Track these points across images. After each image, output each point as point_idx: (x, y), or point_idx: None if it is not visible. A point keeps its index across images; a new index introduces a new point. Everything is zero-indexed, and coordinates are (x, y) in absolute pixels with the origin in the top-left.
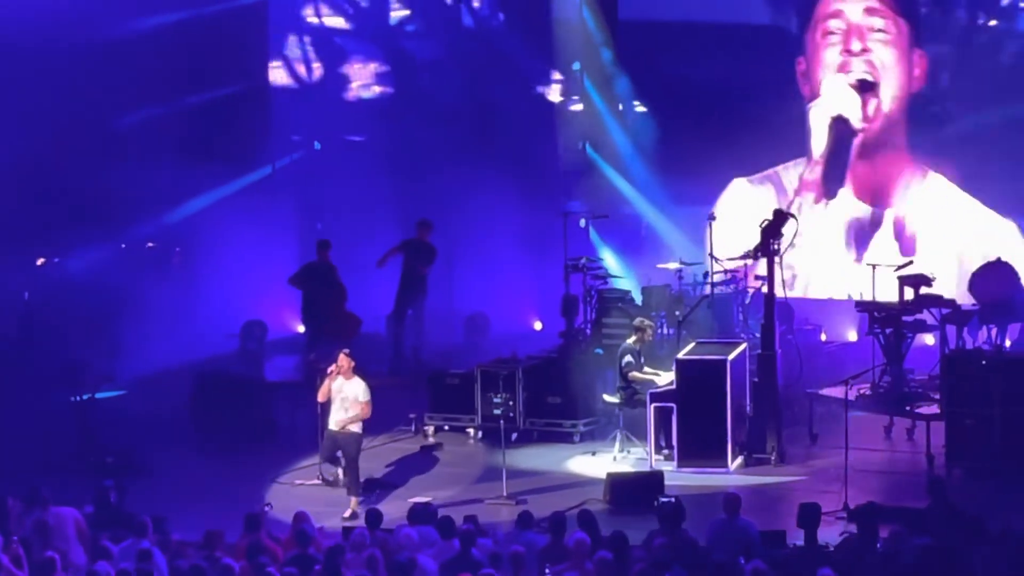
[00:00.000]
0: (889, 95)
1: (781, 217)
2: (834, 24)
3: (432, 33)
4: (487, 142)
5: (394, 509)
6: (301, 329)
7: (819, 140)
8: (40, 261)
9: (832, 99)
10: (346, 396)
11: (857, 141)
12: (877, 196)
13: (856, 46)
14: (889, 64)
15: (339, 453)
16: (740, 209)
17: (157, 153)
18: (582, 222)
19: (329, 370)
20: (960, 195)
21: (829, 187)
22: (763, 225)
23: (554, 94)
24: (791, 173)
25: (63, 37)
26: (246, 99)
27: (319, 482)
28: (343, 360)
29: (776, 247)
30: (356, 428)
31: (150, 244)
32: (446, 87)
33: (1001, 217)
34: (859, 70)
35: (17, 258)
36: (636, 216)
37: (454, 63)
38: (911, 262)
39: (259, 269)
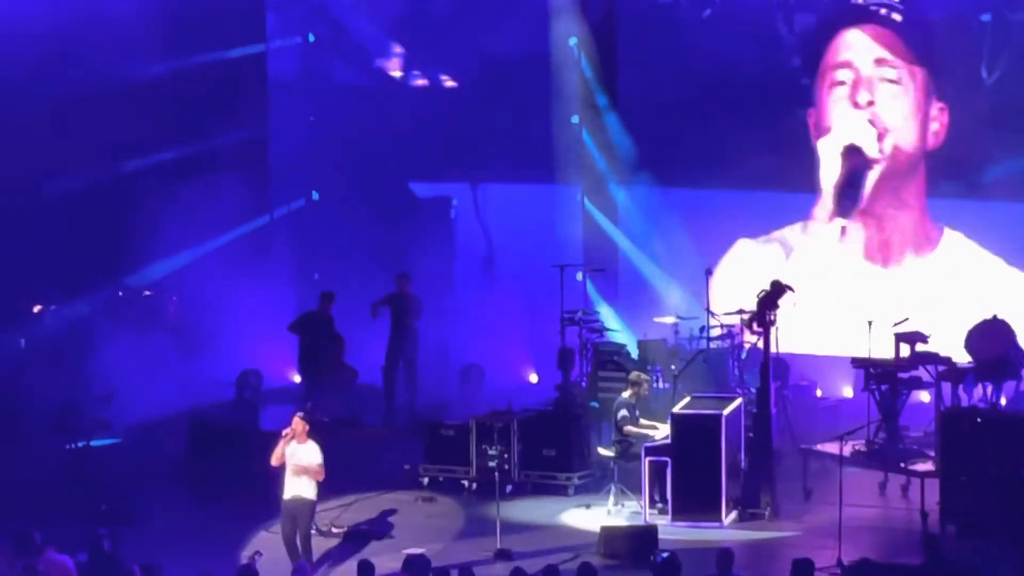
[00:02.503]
0: (902, 146)
1: (779, 289)
2: (842, 75)
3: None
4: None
5: (387, 560)
6: (297, 379)
7: (830, 171)
8: (36, 308)
9: (844, 131)
10: (299, 460)
11: (872, 173)
12: (888, 256)
13: (863, 98)
14: (901, 117)
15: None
16: (743, 268)
17: (155, 201)
18: (579, 275)
19: (284, 433)
20: (981, 253)
21: (844, 210)
22: (760, 296)
23: None
24: (796, 232)
25: (60, 84)
26: (244, 148)
27: (315, 533)
28: (297, 423)
29: (772, 318)
30: (310, 495)
31: (147, 292)
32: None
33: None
34: (865, 119)
35: (13, 305)
36: (633, 270)
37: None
38: (907, 319)
39: (256, 318)
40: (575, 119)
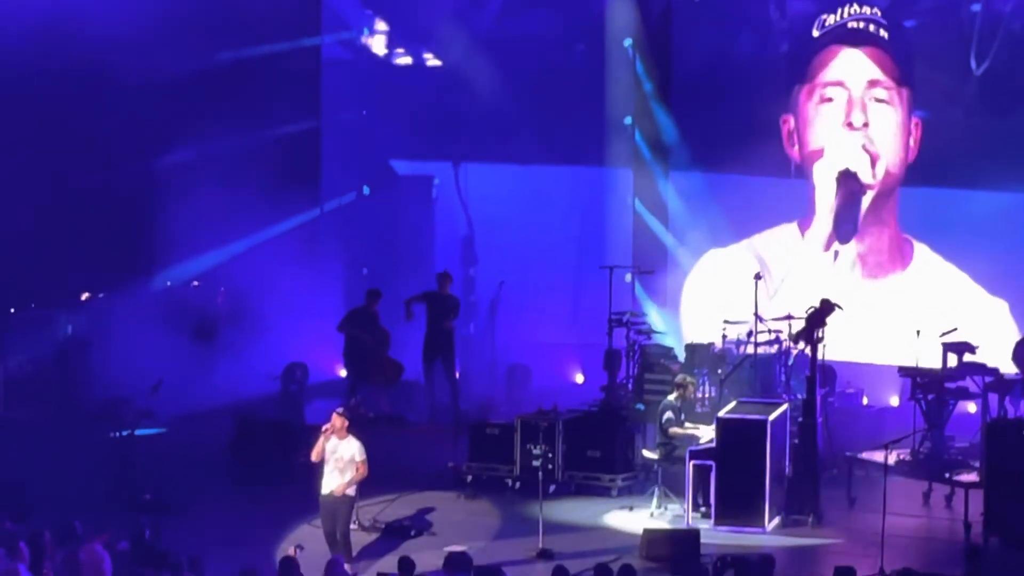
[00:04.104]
0: (890, 168)
1: (828, 307)
2: (833, 92)
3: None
4: (537, 194)
5: (429, 557)
6: (343, 373)
7: (825, 195)
8: (84, 296)
9: (840, 156)
10: (340, 457)
11: (866, 198)
12: (870, 272)
13: (858, 120)
14: (889, 136)
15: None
16: (717, 277)
17: (205, 192)
18: (627, 277)
19: (324, 428)
20: (948, 269)
21: (841, 235)
22: (808, 312)
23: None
24: (766, 239)
25: (116, 75)
26: (298, 140)
27: (356, 528)
28: (336, 419)
29: (820, 336)
30: (350, 491)
31: (195, 283)
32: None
33: (989, 295)
34: (862, 143)
35: (61, 292)
36: (682, 272)
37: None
38: (956, 329)
39: (303, 311)
40: (628, 120)
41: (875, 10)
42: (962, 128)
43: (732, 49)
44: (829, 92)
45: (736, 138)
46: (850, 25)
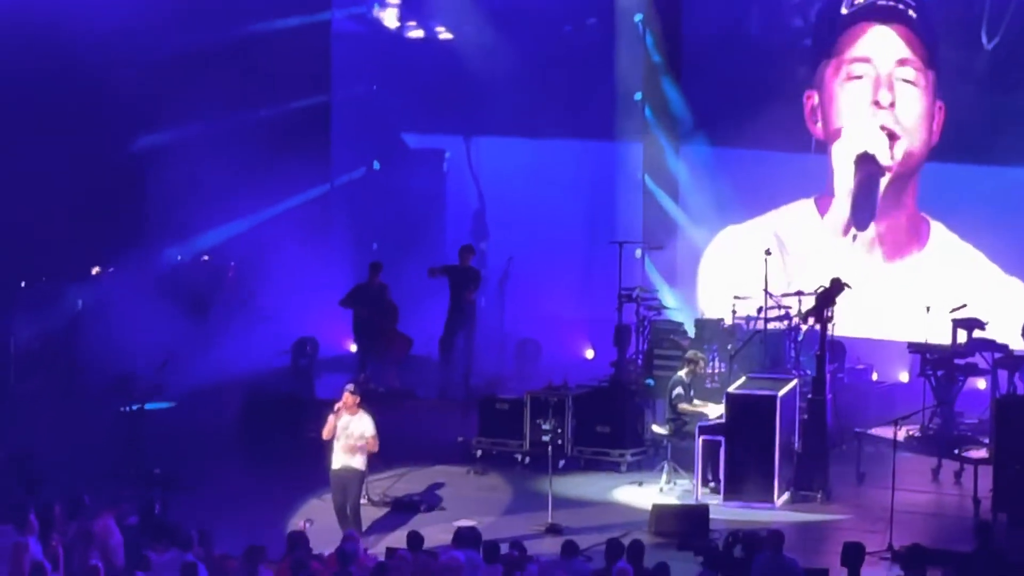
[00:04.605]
0: (912, 150)
1: (837, 286)
2: (860, 69)
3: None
4: (547, 168)
5: (438, 532)
6: (353, 348)
7: (844, 177)
8: (95, 270)
9: (858, 137)
10: (352, 433)
11: (885, 180)
12: (888, 253)
13: (885, 98)
14: (914, 117)
15: None
16: (735, 254)
17: (215, 166)
18: (637, 252)
19: (336, 407)
20: (964, 247)
21: (859, 221)
22: (818, 291)
23: None
24: (783, 216)
25: (126, 49)
26: (308, 115)
27: (366, 502)
28: (347, 397)
29: (829, 315)
30: (361, 465)
31: (205, 257)
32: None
33: (1005, 274)
34: (887, 122)
35: (72, 266)
36: (692, 247)
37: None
38: (965, 305)
39: (313, 286)
40: (638, 96)
41: None
42: (974, 104)
43: (744, 23)
44: (856, 69)
45: (748, 112)
46: (880, 3)
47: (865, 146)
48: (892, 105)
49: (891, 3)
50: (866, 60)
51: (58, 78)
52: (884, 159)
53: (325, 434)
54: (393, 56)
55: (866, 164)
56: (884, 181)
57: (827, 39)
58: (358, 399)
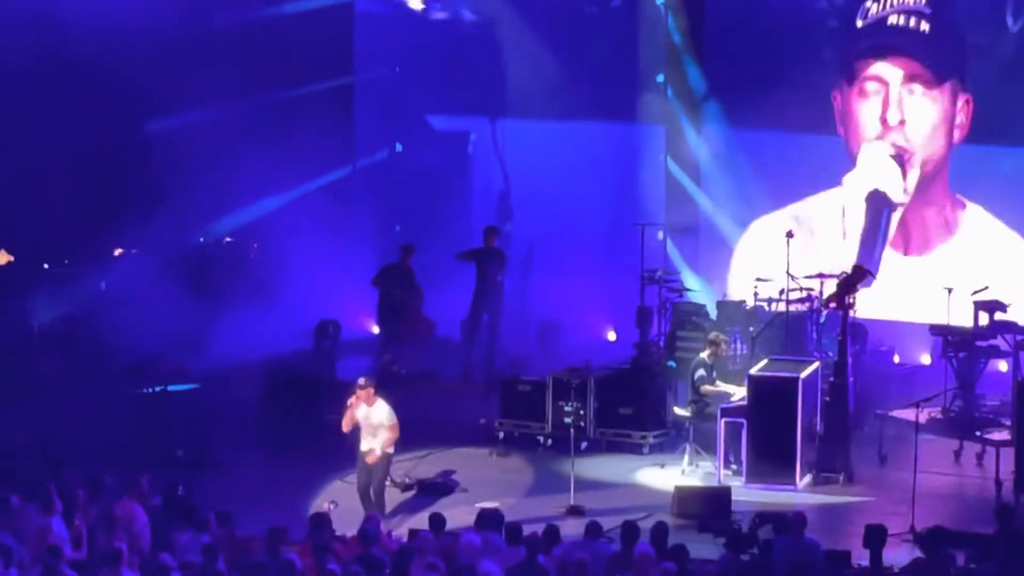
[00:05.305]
0: (928, 158)
1: (860, 273)
2: (871, 87)
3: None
4: (570, 150)
5: (461, 514)
6: (376, 330)
7: (855, 216)
8: (117, 252)
9: (870, 171)
10: (372, 422)
11: (895, 218)
12: (913, 246)
13: (894, 118)
14: (927, 129)
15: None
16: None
17: (239, 148)
18: (660, 234)
19: (349, 402)
20: (1000, 228)
21: (867, 261)
22: (840, 277)
23: None
24: (810, 206)
25: (151, 31)
26: (330, 97)
27: (389, 484)
28: (360, 392)
29: (851, 301)
30: (389, 449)
31: (228, 239)
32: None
33: None
34: (897, 140)
35: (96, 248)
36: (714, 230)
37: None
38: (987, 287)
39: (336, 268)
40: (660, 77)
41: None
42: (999, 86)
43: (766, 3)
44: (869, 87)
45: (771, 93)
46: (890, 21)
47: (876, 182)
48: (902, 123)
49: (901, 22)
50: (876, 79)
51: (84, 61)
52: (895, 195)
53: (344, 427)
54: (417, 38)
55: (875, 201)
56: (896, 216)
57: (844, 58)
58: (371, 390)
